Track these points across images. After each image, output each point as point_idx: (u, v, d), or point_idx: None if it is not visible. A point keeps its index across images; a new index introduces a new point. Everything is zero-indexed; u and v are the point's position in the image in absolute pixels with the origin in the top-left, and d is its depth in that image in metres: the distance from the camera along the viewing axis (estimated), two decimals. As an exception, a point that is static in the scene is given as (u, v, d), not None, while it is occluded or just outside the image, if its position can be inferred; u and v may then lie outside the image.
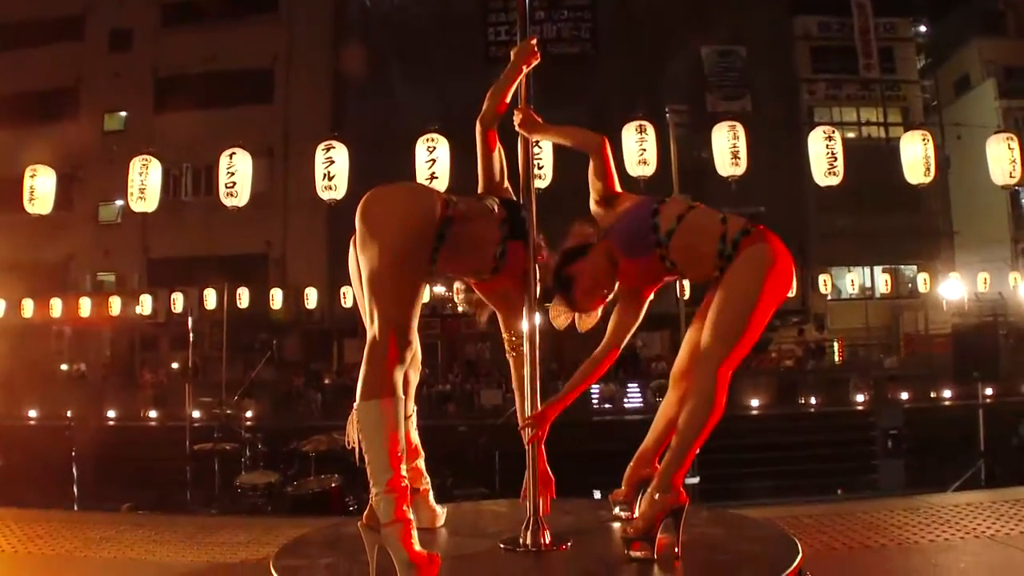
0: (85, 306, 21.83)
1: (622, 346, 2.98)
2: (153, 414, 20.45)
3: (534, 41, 2.95)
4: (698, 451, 2.64)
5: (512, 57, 2.92)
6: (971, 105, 26.99)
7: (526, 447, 2.79)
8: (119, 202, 23.79)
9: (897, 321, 25.46)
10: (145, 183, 10.08)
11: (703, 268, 2.72)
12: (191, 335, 14.56)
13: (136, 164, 10.17)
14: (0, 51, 26.55)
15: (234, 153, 9.68)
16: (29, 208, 10.33)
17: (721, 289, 2.64)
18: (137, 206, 10.07)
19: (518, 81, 2.96)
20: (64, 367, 24.74)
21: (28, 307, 21.32)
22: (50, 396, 20.68)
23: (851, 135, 26.30)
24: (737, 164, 8.92)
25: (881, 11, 27.19)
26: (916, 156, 9.41)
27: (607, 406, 18.75)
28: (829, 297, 24.65)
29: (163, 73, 27.06)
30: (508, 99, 2.95)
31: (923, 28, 28.62)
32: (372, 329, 2.51)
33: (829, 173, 9.09)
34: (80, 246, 26.30)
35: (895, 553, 3.84)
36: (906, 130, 27.21)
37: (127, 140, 26.60)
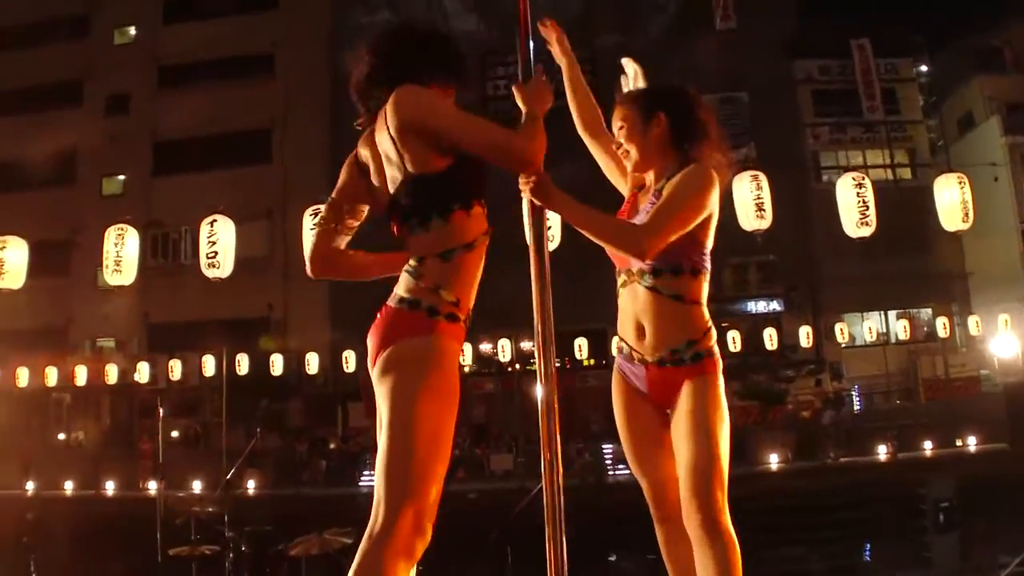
0: (82, 374, 21.37)
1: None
2: (152, 485, 19.78)
3: (543, 77, 2.54)
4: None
5: (522, 103, 2.46)
6: (976, 142, 26.65)
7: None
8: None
9: (915, 367, 24.84)
10: (121, 254, 9.50)
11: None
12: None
13: (111, 234, 9.57)
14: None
15: (215, 220, 9.11)
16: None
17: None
18: (112, 279, 9.40)
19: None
20: (62, 436, 24.15)
21: (24, 375, 20.85)
22: (48, 466, 20.10)
23: (857, 178, 25.99)
24: (762, 216, 8.35)
25: (881, 52, 26.95)
26: (952, 201, 8.80)
27: (622, 467, 18.10)
28: (843, 344, 24.07)
29: (161, 136, 26.94)
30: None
31: (924, 68, 28.39)
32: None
33: (862, 223, 8.49)
34: (79, 312, 25.91)
35: None
36: (913, 171, 26.85)
37: (126, 204, 26.46)
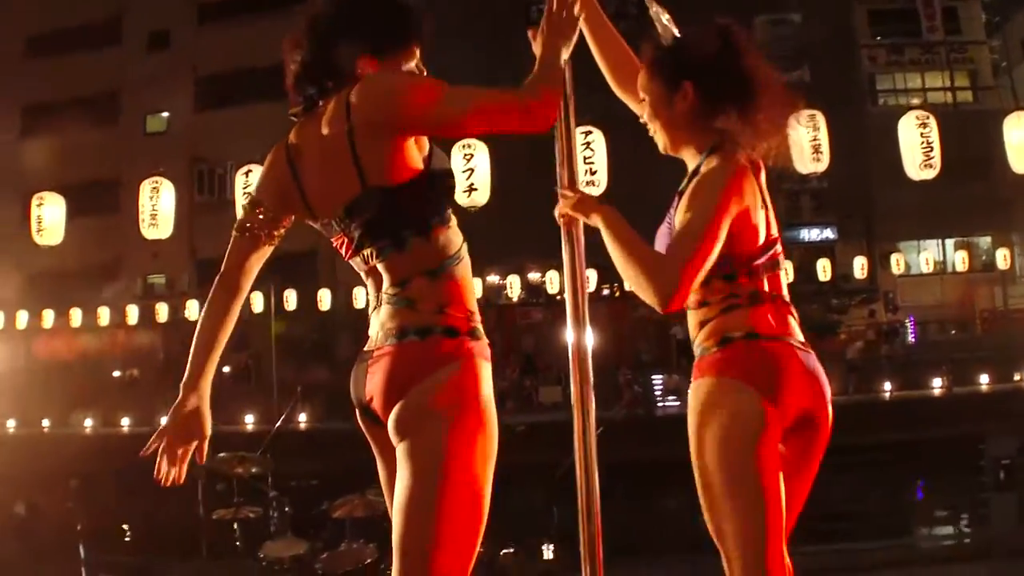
0: (133, 312, 21.73)
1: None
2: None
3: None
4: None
5: (545, 29, 2.08)
6: (1041, 64, 25.56)
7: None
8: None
9: (973, 297, 24.23)
10: (157, 207, 9.30)
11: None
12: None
13: (146, 187, 9.32)
14: (42, 58, 26.59)
15: (250, 171, 8.76)
16: (37, 239, 9.53)
17: None
18: (149, 233, 9.22)
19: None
20: (116, 373, 24.64)
21: (77, 315, 21.25)
22: (103, 403, 20.58)
23: (915, 101, 25.12)
24: (819, 159, 7.77)
25: (942, -31, 25.80)
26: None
27: (672, 399, 17.99)
28: (898, 274, 23.53)
29: (203, 71, 26.79)
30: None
31: (988, -16, 27.13)
32: None
33: (925, 165, 7.89)
34: (128, 250, 26.18)
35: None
36: (974, 94, 25.97)
37: (170, 141, 26.56)
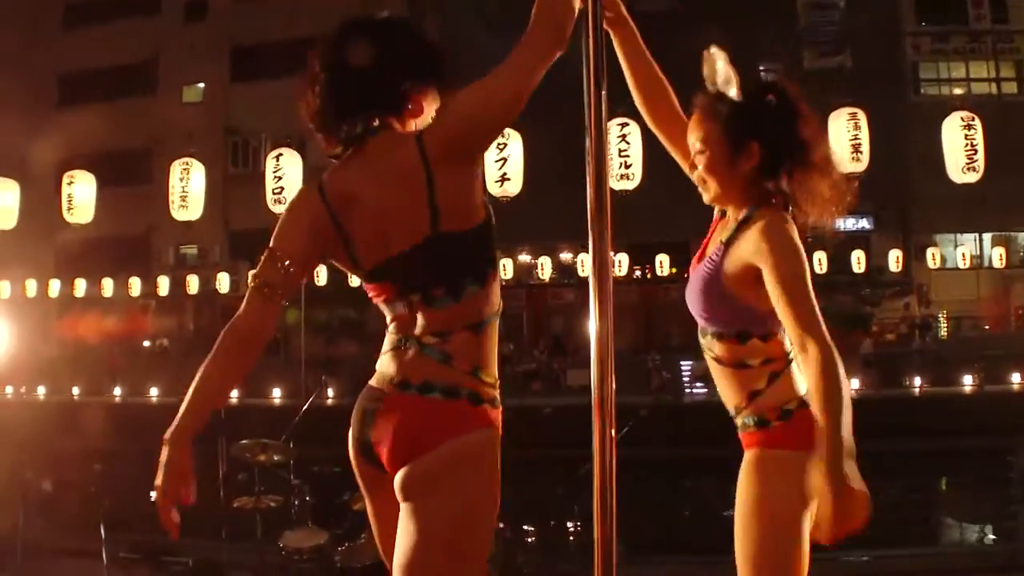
0: (164, 283, 21.90)
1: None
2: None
3: None
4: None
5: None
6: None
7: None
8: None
9: (1008, 293, 23.80)
10: (187, 189, 9.18)
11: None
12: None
13: (176, 168, 9.24)
14: (79, 28, 26.76)
15: (281, 154, 8.69)
16: (68, 218, 9.52)
17: None
18: (179, 215, 9.10)
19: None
20: (147, 343, 24.91)
21: (109, 285, 21.42)
22: (133, 373, 20.78)
23: (958, 91, 24.59)
24: (859, 159, 7.51)
25: (991, -45, 25.17)
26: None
27: (699, 386, 17.84)
28: (934, 268, 23.16)
29: (238, 42, 26.84)
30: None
31: (1038, -28, 26.42)
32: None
33: (968, 169, 7.52)
34: (161, 220, 26.38)
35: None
36: (1019, 85, 25.38)
37: (205, 111, 26.69)
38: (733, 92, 2.14)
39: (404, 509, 1.82)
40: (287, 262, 1.83)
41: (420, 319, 1.85)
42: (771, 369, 2.09)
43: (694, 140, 2.18)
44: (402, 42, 1.92)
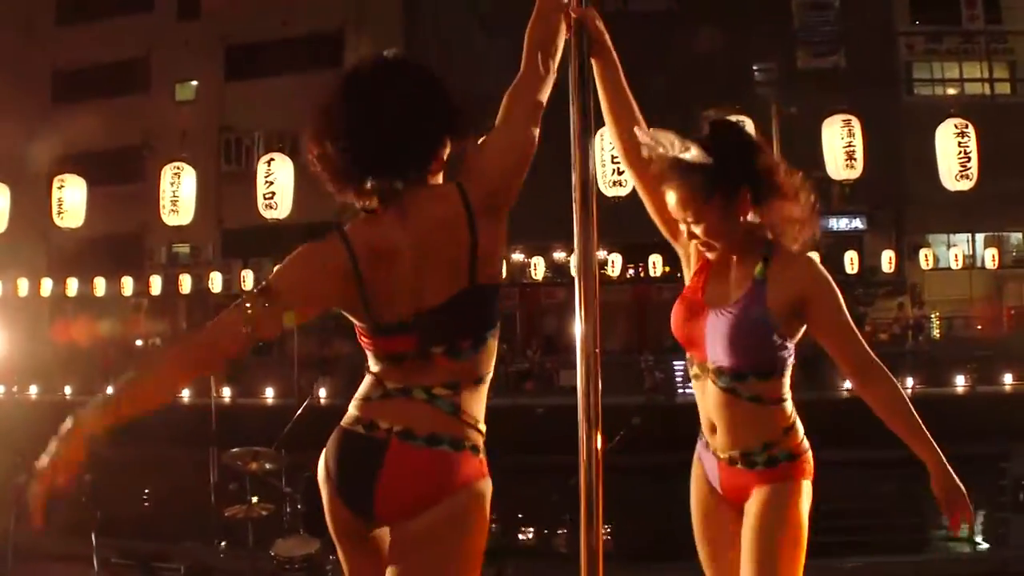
0: (157, 283, 21.82)
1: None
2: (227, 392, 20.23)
3: None
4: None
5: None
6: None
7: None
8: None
9: (1001, 294, 23.87)
10: (178, 194, 9.20)
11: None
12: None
13: (167, 173, 9.24)
14: (73, 24, 26.65)
15: (272, 159, 8.73)
16: (58, 222, 9.48)
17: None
18: (170, 220, 9.12)
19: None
20: (139, 342, 24.81)
21: (101, 284, 21.32)
22: (126, 371, 20.64)
23: (952, 92, 24.64)
24: (852, 166, 7.57)
25: (985, -45, 25.19)
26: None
27: (691, 387, 17.72)
28: (927, 269, 23.22)
29: (232, 40, 26.76)
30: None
31: (1031, -28, 26.46)
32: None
33: (961, 176, 7.66)
34: (153, 218, 26.30)
35: None
36: (1012, 86, 25.35)
37: (199, 109, 26.61)
38: (693, 153, 2.11)
39: (404, 562, 1.82)
40: (282, 303, 1.75)
41: (435, 370, 1.82)
42: (781, 408, 2.19)
43: (684, 217, 2.19)
44: (440, 101, 1.87)
